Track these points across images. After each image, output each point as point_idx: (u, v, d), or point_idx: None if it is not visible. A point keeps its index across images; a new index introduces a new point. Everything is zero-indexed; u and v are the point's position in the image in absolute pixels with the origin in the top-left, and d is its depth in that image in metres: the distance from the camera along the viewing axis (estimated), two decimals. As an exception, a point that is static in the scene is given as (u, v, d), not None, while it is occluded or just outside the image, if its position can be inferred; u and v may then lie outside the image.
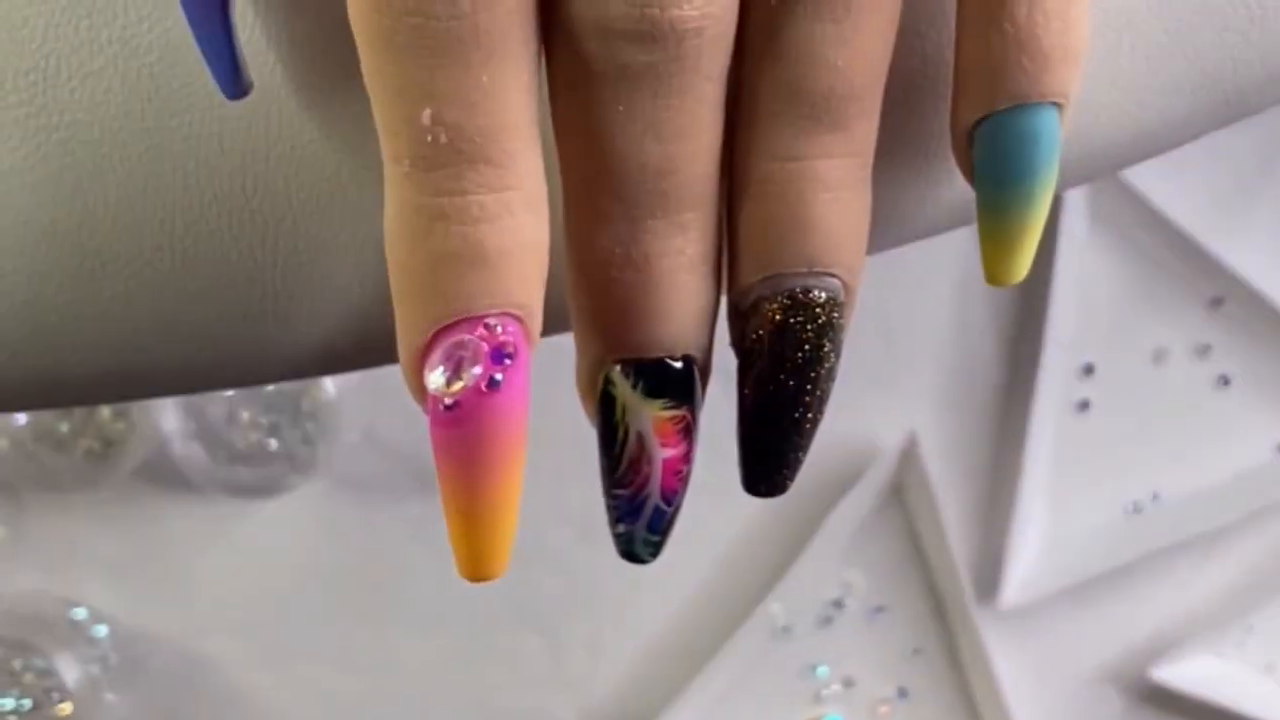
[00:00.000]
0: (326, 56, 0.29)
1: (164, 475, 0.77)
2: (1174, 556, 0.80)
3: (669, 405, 0.29)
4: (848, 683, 0.80)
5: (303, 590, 0.77)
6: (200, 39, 0.27)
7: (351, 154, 0.29)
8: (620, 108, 0.27)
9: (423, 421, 0.27)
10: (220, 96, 0.27)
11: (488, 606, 0.78)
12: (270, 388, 0.74)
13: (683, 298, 0.28)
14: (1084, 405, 0.80)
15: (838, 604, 0.80)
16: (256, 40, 0.28)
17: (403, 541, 0.77)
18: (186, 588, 0.76)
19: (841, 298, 0.29)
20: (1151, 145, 0.34)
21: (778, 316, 0.28)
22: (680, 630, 0.79)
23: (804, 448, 0.30)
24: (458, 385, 0.26)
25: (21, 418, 0.73)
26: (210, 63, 0.27)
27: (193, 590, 0.76)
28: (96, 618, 0.74)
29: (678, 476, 0.29)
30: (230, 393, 0.74)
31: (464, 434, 0.26)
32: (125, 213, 0.30)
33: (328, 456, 0.77)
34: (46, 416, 0.73)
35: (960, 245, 0.34)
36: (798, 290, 0.28)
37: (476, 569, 0.28)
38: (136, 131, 0.29)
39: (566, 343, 0.30)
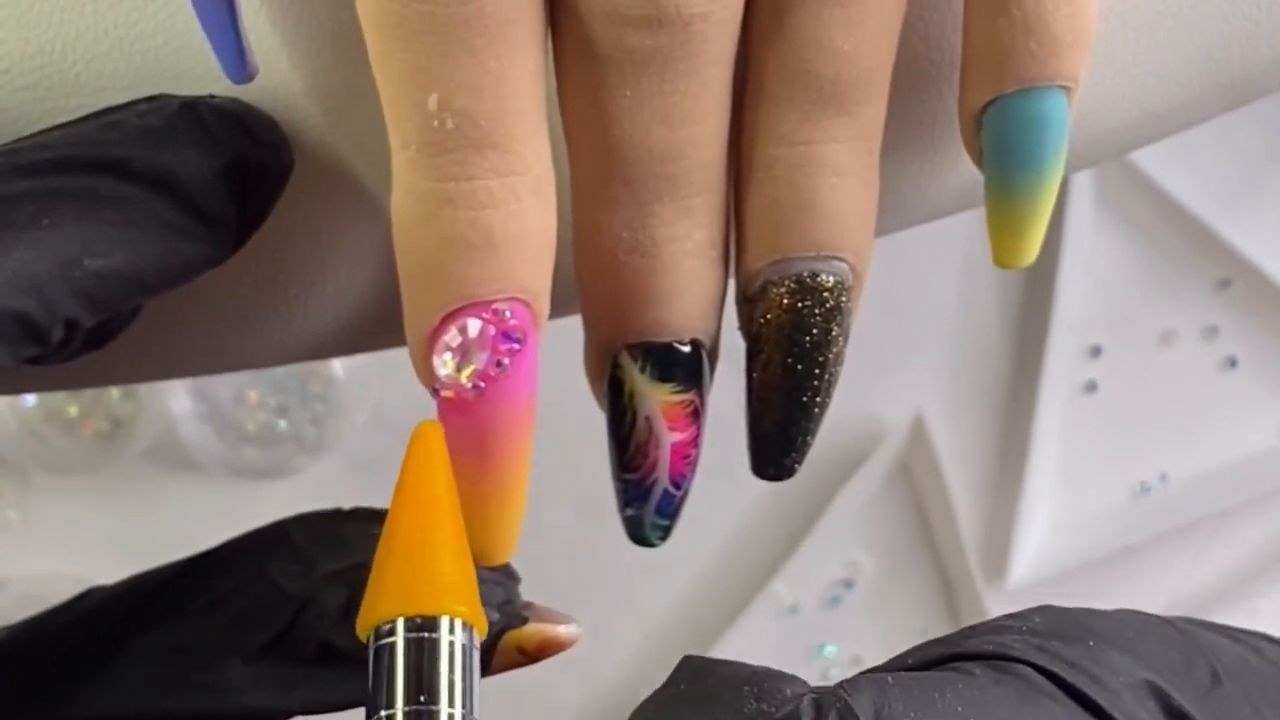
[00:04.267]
0: (332, 41, 0.29)
1: (173, 456, 0.77)
2: (1181, 538, 0.80)
3: (677, 389, 0.29)
4: (855, 662, 0.80)
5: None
6: (205, 23, 0.27)
7: (357, 139, 0.30)
8: (627, 93, 0.27)
9: (431, 403, 0.27)
10: (225, 81, 0.27)
11: (495, 587, 0.78)
12: (279, 369, 0.74)
13: (690, 282, 0.28)
14: (1091, 386, 0.80)
15: (846, 583, 0.80)
16: (261, 24, 0.28)
17: (411, 522, 0.77)
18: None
19: (849, 281, 0.29)
20: (1157, 130, 0.34)
21: (785, 301, 0.28)
22: (688, 611, 0.79)
23: (812, 431, 0.30)
24: (466, 370, 0.26)
25: (30, 399, 0.73)
26: (215, 47, 0.27)
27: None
28: (106, 598, 0.75)
29: (686, 460, 0.29)
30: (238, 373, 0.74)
31: (472, 418, 0.26)
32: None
33: (336, 437, 0.77)
34: (55, 398, 0.74)
35: (967, 225, 0.34)
36: (805, 274, 0.28)
37: (486, 552, 0.28)
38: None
39: (573, 326, 0.30)
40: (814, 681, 0.25)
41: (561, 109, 0.28)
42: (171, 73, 0.29)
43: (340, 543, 0.29)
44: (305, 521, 0.30)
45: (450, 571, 0.25)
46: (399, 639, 0.25)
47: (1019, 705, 0.23)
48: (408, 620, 0.25)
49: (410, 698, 0.24)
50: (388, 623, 0.25)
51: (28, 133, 0.28)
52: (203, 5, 0.27)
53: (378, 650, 0.25)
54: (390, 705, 0.24)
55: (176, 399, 0.76)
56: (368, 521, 0.29)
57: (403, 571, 0.25)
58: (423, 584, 0.25)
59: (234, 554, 0.30)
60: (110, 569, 0.80)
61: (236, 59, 0.27)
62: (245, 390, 0.77)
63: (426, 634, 0.25)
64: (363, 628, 0.25)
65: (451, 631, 0.25)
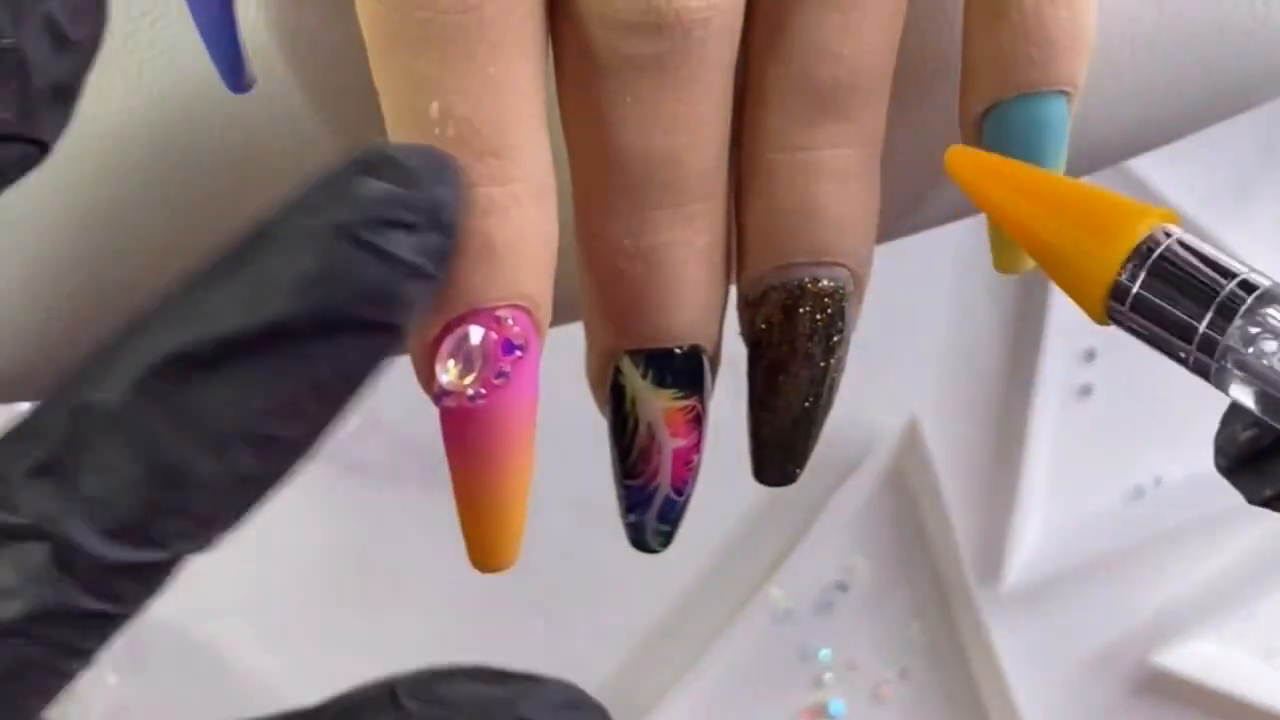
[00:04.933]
0: (331, 49, 0.29)
1: (166, 461, 0.77)
2: (1176, 541, 0.80)
3: (678, 395, 0.29)
4: (850, 665, 0.80)
5: (305, 575, 0.77)
6: (204, 33, 0.27)
7: (357, 147, 0.29)
8: (628, 99, 0.27)
9: (426, 407, 0.27)
10: (224, 91, 0.27)
11: (490, 591, 0.78)
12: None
13: (691, 288, 0.28)
14: (1086, 390, 0.80)
15: (840, 587, 0.80)
16: (260, 34, 0.28)
17: (405, 526, 0.77)
18: (189, 571, 0.76)
19: (849, 287, 0.29)
20: (1153, 138, 0.34)
21: (786, 306, 0.29)
22: (682, 615, 0.79)
23: (814, 436, 0.30)
24: (468, 378, 0.26)
25: (25, 406, 0.73)
26: (214, 57, 0.27)
27: (195, 573, 0.75)
28: (99, 603, 0.74)
29: (688, 466, 0.29)
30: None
31: (474, 426, 0.26)
32: (127, 206, 0.30)
33: (330, 442, 0.77)
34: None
35: (962, 229, 0.34)
36: (806, 280, 0.28)
37: (487, 559, 0.28)
38: (139, 126, 0.29)
39: (575, 333, 0.30)
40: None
41: (562, 116, 0.28)
42: (169, 84, 0.29)
43: (441, 701, 0.28)
44: (414, 680, 0.29)
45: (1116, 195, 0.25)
46: (1167, 245, 0.24)
47: None
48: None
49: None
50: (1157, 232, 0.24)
51: None
52: (201, 14, 0.27)
53: (1162, 263, 0.24)
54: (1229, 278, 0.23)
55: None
56: (473, 680, 0.29)
57: (1083, 205, 0.25)
58: (1126, 209, 0.24)
59: (339, 713, 0.29)
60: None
61: (234, 69, 0.27)
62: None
63: (1176, 238, 0.24)
64: (1108, 277, 0.24)
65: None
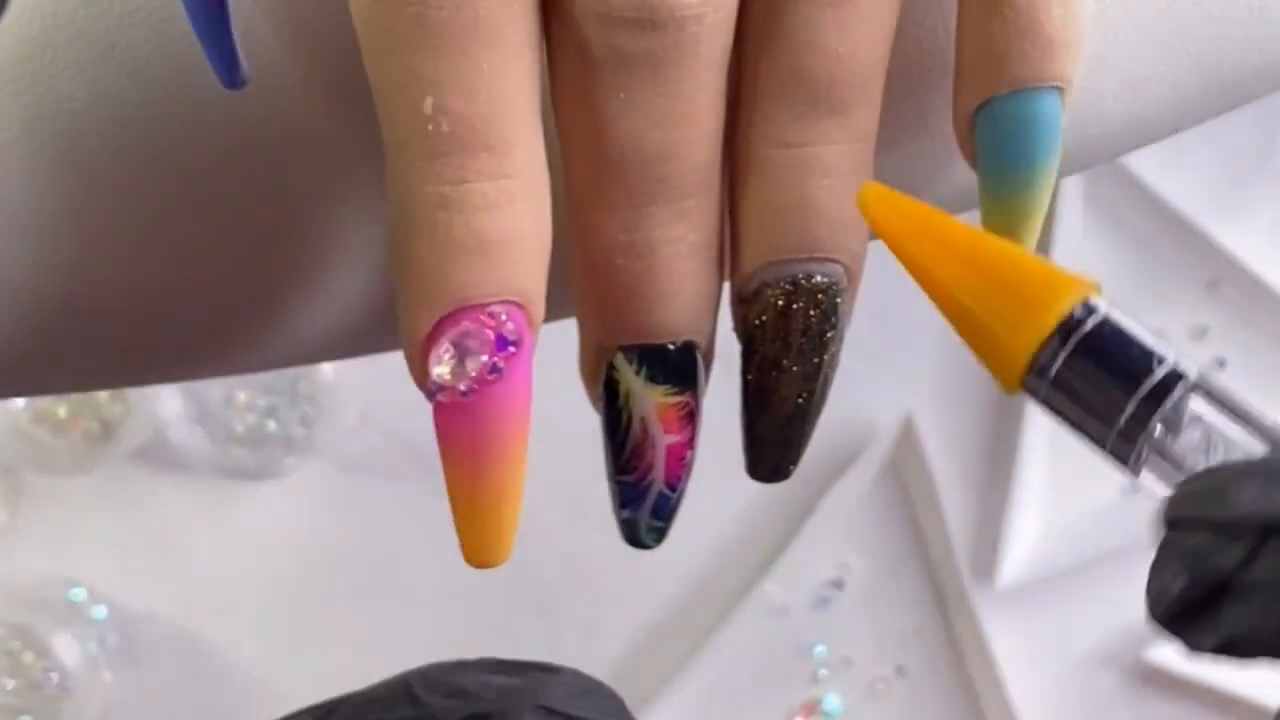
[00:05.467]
0: (326, 46, 0.29)
1: (162, 457, 0.77)
2: (1171, 537, 0.80)
3: (672, 391, 0.29)
4: (845, 662, 0.80)
5: (300, 572, 0.77)
6: (198, 29, 0.27)
7: (351, 143, 0.29)
8: (621, 95, 0.27)
9: (420, 403, 0.27)
10: (219, 87, 0.27)
11: (485, 588, 0.78)
12: (268, 370, 0.74)
13: (685, 284, 0.28)
14: (1081, 386, 0.80)
15: (836, 584, 0.80)
16: (254, 30, 0.28)
17: (400, 523, 0.77)
18: (185, 569, 0.76)
19: (843, 283, 0.29)
20: (1148, 133, 0.34)
21: (780, 302, 0.28)
22: (678, 611, 0.79)
23: (807, 433, 0.30)
24: (462, 374, 0.26)
25: (20, 401, 0.73)
26: (208, 53, 0.27)
27: (191, 571, 0.76)
28: (95, 599, 0.75)
29: (681, 462, 0.29)
30: (228, 375, 0.74)
31: (468, 422, 0.26)
32: (124, 202, 0.30)
33: (325, 439, 0.77)
34: (44, 400, 0.73)
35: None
36: (799, 276, 0.28)
37: (480, 556, 0.28)
38: (134, 121, 0.29)
39: (569, 329, 0.30)
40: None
41: (556, 112, 0.28)
42: (164, 79, 0.29)
43: (461, 693, 0.28)
44: (426, 674, 0.29)
45: (1040, 261, 0.24)
46: (1094, 322, 0.23)
47: None
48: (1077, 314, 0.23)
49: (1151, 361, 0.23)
50: (1076, 311, 0.23)
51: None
52: (195, 12, 0.27)
53: (1087, 342, 0.23)
54: (1157, 364, 0.23)
55: (166, 400, 0.76)
56: (488, 671, 0.29)
57: (1005, 269, 0.24)
58: (1050, 278, 0.23)
59: (356, 709, 0.29)
60: (99, 570, 0.80)
61: (229, 66, 0.27)
62: (235, 391, 0.77)
63: (1103, 316, 0.23)
64: (1022, 361, 0.23)
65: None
